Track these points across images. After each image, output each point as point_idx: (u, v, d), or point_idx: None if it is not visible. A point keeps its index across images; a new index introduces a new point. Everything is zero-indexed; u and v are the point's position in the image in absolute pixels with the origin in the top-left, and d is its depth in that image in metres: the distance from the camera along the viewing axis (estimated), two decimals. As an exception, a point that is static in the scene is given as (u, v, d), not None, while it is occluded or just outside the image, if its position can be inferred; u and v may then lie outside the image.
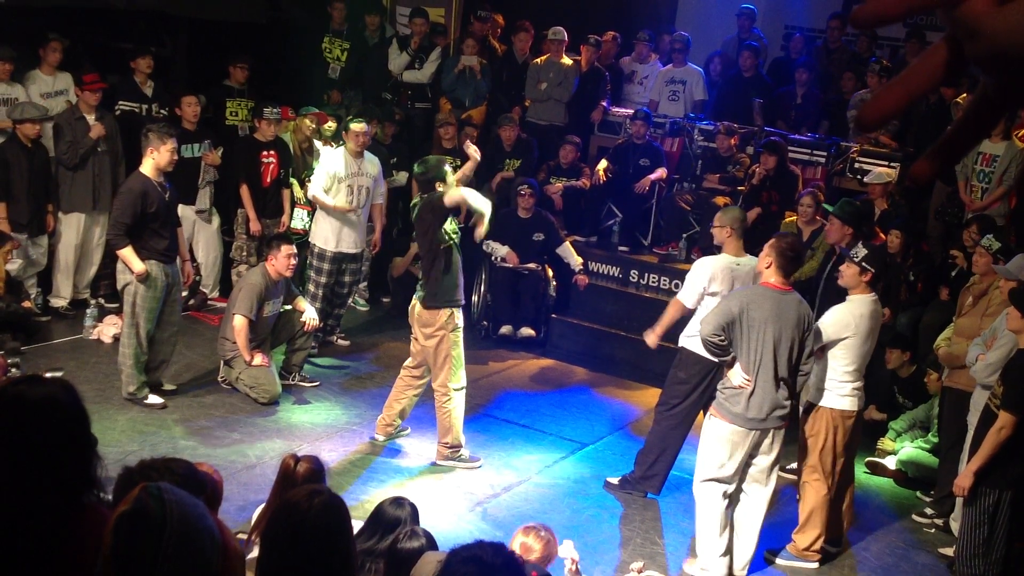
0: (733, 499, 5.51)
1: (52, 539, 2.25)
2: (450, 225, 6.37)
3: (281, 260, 7.33)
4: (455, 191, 6.18)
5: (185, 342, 7.94)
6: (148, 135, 6.77)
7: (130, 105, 8.93)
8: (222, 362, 7.47)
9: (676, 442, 6.37)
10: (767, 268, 5.33)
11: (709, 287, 6.09)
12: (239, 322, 7.18)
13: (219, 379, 7.49)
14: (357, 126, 8.10)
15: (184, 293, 8.31)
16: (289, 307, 7.59)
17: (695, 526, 5.57)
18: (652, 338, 6.45)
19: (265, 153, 8.71)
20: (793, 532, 5.88)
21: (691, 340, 6.18)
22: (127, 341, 6.92)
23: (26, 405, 2.29)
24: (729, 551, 5.49)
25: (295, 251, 7.53)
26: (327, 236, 8.19)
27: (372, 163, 8.35)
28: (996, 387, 5.45)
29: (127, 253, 6.71)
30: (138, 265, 6.70)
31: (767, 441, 5.38)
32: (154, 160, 6.71)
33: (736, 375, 5.29)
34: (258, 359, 7.25)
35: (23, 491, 2.24)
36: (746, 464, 5.42)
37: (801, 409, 5.96)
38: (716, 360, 5.56)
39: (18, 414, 2.28)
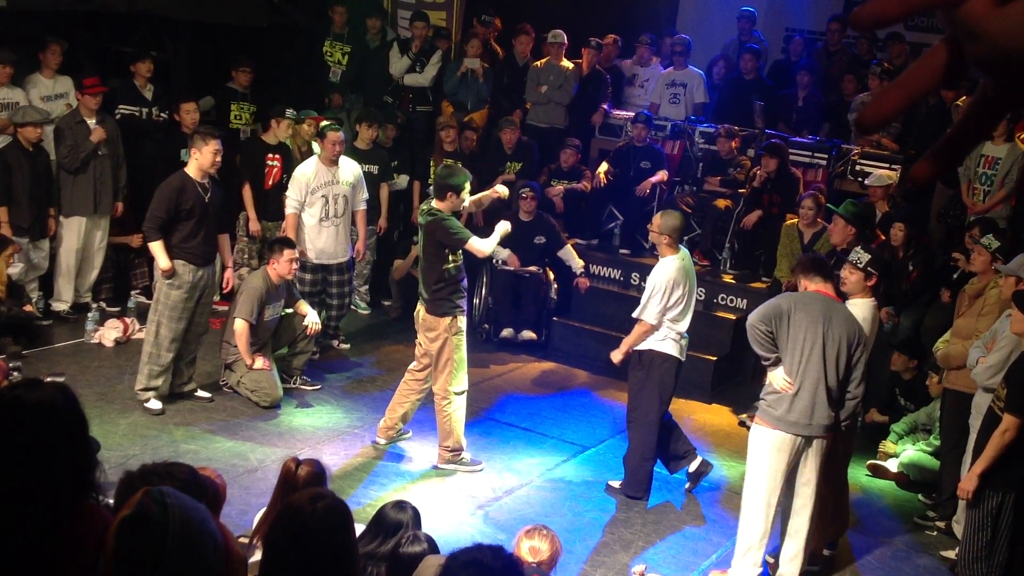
0: (782, 508, 5.40)
1: (50, 541, 2.25)
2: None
3: (283, 264, 7.33)
4: (482, 246, 6.41)
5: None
6: (193, 136, 6.93)
7: (130, 109, 8.94)
8: (224, 366, 7.47)
9: (654, 444, 6.38)
10: (808, 284, 5.31)
11: (671, 298, 6.10)
12: (240, 326, 7.18)
13: (220, 382, 7.49)
14: (334, 134, 7.95)
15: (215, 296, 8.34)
16: (290, 310, 7.59)
17: (738, 535, 5.43)
18: (618, 356, 6.37)
19: (270, 156, 8.73)
20: None
21: (660, 343, 6.23)
22: (146, 338, 7.02)
23: (23, 409, 2.29)
24: (760, 564, 5.37)
25: (297, 255, 7.53)
26: (307, 247, 8.09)
27: (349, 170, 8.18)
28: (999, 390, 5.44)
29: (156, 247, 6.78)
30: (164, 261, 6.76)
31: (811, 450, 5.22)
32: (197, 160, 6.79)
33: (777, 378, 5.18)
34: (259, 363, 7.25)
35: (20, 494, 2.24)
36: (792, 475, 5.28)
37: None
38: (763, 353, 5.38)
39: (15, 418, 2.28)
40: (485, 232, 9.39)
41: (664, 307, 6.12)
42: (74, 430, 2.34)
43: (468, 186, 6.42)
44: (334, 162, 8.05)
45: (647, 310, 6.16)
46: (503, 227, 6.62)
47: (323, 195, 8.02)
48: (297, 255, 7.52)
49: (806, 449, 5.24)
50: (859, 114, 0.86)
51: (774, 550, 5.57)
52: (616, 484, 6.55)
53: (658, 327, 6.18)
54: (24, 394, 2.32)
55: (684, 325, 6.26)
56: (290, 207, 8.06)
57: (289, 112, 8.71)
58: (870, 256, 5.63)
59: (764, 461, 5.24)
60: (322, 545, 2.52)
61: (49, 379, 2.87)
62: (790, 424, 5.17)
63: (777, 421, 5.18)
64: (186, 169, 6.87)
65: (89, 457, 2.39)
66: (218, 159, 6.91)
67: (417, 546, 3.61)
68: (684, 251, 6.30)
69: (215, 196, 6.99)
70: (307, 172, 8.02)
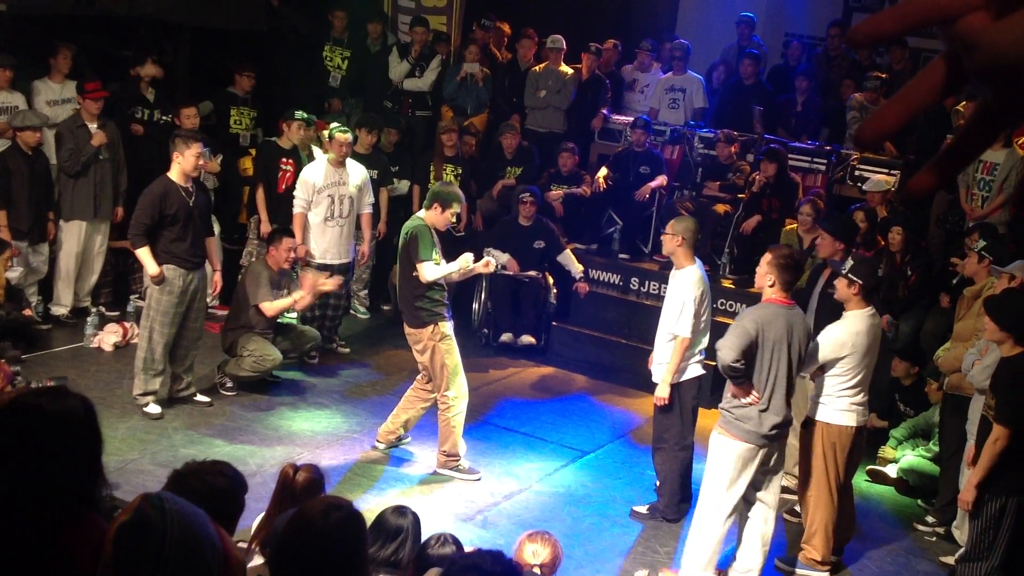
0: (740, 515, 5.48)
1: (46, 550, 2.24)
2: (435, 255, 6.41)
3: (281, 252, 7.51)
4: (430, 273, 6.30)
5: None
6: (175, 140, 6.90)
7: (134, 109, 8.93)
8: (219, 368, 7.51)
9: (689, 464, 6.36)
10: (770, 286, 5.26)
11: (699, 306, 6.01)
12: (268, 307, 7.36)
13: (216, 382, 7.50)
14: (342, 135, 8.11)
15: (214, 301, 8.38)
16: (293, 318, 7.63)
17: (690, 535, 5.50)
18: (666, 390, 6.09)
19: (284, 160, 8.78)
20: (803, 541, 5.85)
21: (683, 373, 6.15)
22: (139, 343, 7.06)
23: (43, 419, 2.26)
24: (714, 564, 5.44)
25: (295, 245, 7.66)
26: (312, 246, 8.22)
27: (356, 173, 8.33)
28: (988, 399, 5.46)
29: (143, 253, 6.80)
30: (152, 267, 6.77)
31: (775, 455, 5.38)
32: (180, 165, 6.78)
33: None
34: (326, 282, 7.51)
35: (23, 502, 2.23)
36: (756, 480, 5.36)
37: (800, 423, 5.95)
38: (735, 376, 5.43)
39: (35, 427, 2.26)
40: (485, 236, 9.43)
41: (696, 318, 5.99)
42: (89, 446, 2.32)
43: (455, 208, 6.43)
44: (341, 163, 8.22)
45: (683, 324, 5.94)
46: (463, 260, 6.51)
47: (329, 195, 8.17)
48: (295, 246, 7.66)
49: (771, 455, 5.35)
50: (858, 129, 0.86)
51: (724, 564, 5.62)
52: (643, 509, 6.37)
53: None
54: (47, 403, 2.29)
55: (703, 344, 6.15)
56: (298, 207, 8.20)
57: (298, 114, 8.74)
58: (854, 264, 5.62)
59: (730, 472, 5.28)
60: (333, 561, 2.48)
61: (52, 384, 2.86)
62: (759, 437, 5.24)
63: (747, 434, 5.25)
64: (169, 174, 6.83)
65: (97, 474, 2.36)
66: (201, 162, 6.93)
67: (447, 548, 3.65)
68: (700, 263, 6.17)
69: (200, 200, 6.99)
70: (316, 172, 8.19)
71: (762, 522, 5.47)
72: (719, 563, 5.61)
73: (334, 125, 8.46)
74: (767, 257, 5.30)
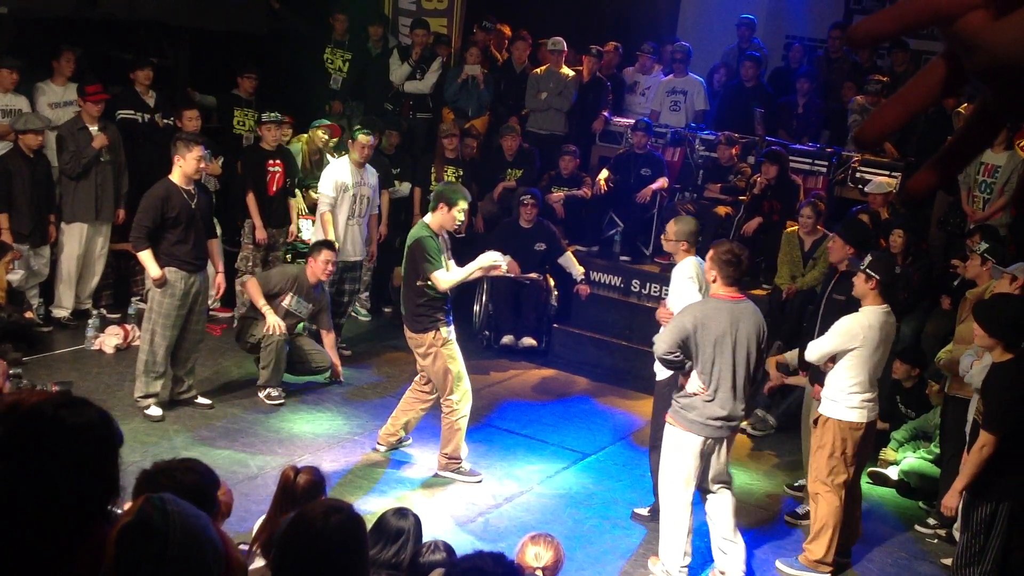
0: (706, 502, 5.57)
1: (44, 557, 2.22)
2: (443, 261, 6.40)
3: (318, 264, 7.57)
4: (445, 281, 6.29)
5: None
6: (176, 143, 6.92)
7: (131, 115, 8.93)
8: (257, 387, 7.54)
9: None
10: (713, 282, 5.32)
11: (699, 286, 5.99)
12: (250, 282, 7.48)
13: (263, 399, 7.46)
14: (364, 137, 8.25)
15: (215, 304, 8.39)
16: (311, 328, 7.67)
17: (660, 527, 5.55)
18: None
19: (271, 162, 8.78)
20: (805, 543, 5.86)
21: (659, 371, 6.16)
22: (140, 346, 7.08)
23: (62, 431, 2.24)
24: (689, 553, 5.51)
25: (334, 259, 7.70)
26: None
27: (372, 173, 8.55)
28: (978, 403, 5.45)
29: (145, 256, 6.82)
30: (154, 270, 6.78)
31: (721, 448, 5.43)
32: (181, 167, 6.80)
33: (693, 383, 5.33)
34: (273, 320, 7.32)
35: (33, 513, 2.21)
36: (705, 470, 5.45)
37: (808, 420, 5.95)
38: (672, 372, 5.54)
39: (52, 439, 2.23)
40: (485, 238, 9.43)
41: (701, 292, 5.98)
42: (105, 459, 2.30)
43: (462, 205, 6.40)
44: (362, 164, 8.37)
45: (690, 295, 5.83)
46: (485, 259, 6.44)
47: (354, 194, 8.33)
48: (332, 259, 7.71)
49: (718, 447, 5.41)
50: (858, 129, 0.86)
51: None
52: (644, 511, 6.35)
53: None
54: (67, 416, 2.27)
55: None
56: (325, 206, 8.28)
57: (266, 116, 8.75)
58: (872, 259, 5.63)
59: (679, 461, 5.37)
60: (334, 563, 2.47)
61: (57, 388, 2.84)
62: (702, 426, 5.31)
63: (691, 424, 5.33)
64: (171, 177, 6.85)
65: (112, 487, 2.35)
66: (202, 165, 6.96)
67: (438, 555, 3.63)
68: (698, 258, 6.13)
69: (201, 202, 7.00)
70: (343, 173, 8.32)
71: (725, 512, 5.50)
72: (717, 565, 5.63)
73: (356, 127, 8.59)
74: (710, 253, 5.37)
